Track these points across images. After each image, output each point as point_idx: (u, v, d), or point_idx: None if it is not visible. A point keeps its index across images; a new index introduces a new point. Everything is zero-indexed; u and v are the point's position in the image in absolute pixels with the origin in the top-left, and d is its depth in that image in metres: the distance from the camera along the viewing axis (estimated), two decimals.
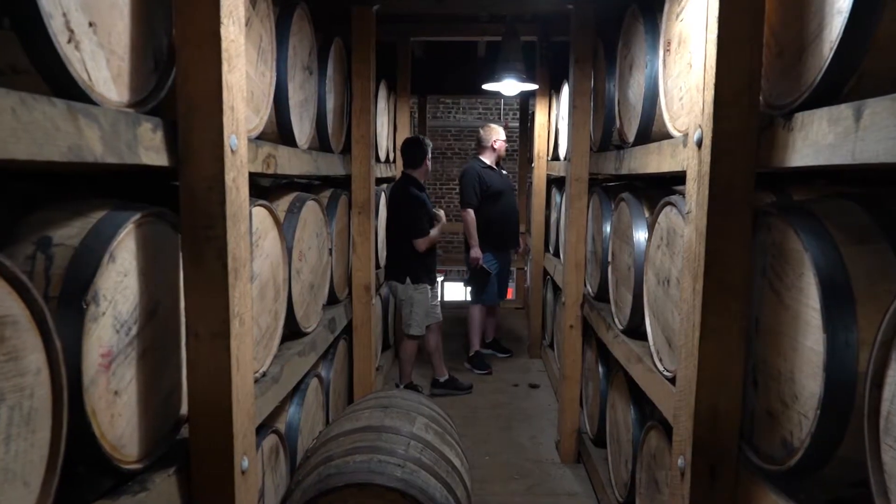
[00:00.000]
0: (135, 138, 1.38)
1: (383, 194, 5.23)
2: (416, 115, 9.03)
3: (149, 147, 1.44)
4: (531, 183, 6.37)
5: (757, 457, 1.56)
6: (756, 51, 1.50)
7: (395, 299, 4.97)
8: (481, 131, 5.79)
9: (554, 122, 5.75)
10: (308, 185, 3.77)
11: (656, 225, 2.45)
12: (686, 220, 1.70)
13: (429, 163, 4.93)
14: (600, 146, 3.57)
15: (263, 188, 3.12)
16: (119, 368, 1.44)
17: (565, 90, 5.12)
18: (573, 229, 3.76)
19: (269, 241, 2.39)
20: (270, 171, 2.29)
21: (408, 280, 4.67)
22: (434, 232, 4.72)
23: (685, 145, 2.04)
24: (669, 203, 2.28)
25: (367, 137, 3.70)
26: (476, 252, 5.47)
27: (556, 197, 5.76)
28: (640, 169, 2.63)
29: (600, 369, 3.57)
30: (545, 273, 6.23)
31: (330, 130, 3.38)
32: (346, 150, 3.73)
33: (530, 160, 7.02)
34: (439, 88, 8.52)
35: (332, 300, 3.59)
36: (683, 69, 2.18)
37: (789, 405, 1.43)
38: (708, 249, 1.55)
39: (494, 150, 5.68)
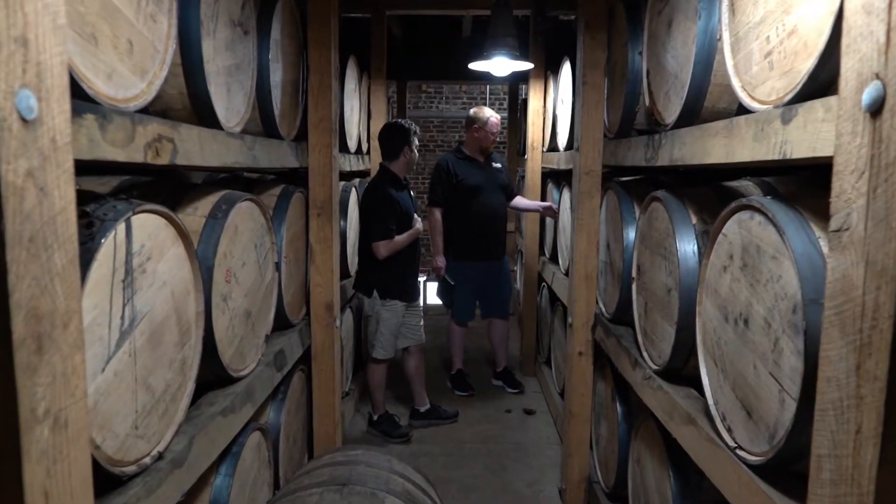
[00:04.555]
0: None
1: (354, 190, 4.48)
2: (396, 104, 8.29)
3: None
4: (522, 177, 5.66)
5: None
6: None
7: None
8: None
9: (551, 107, 5.03)
10: (257, 181, 3.04)
11: (720, 237, 1.74)
12: (830, 241, 0.99)
13: (411, 154, 4.06)
14: (618, 132, 2.86)
15: (190, 186, 2.38)
16: None
17: (565, 70, 4.41)
18: (583, 234, 3.05)
19: (169, 261, 1.66)
20: (163, 162, 1.55)
21: (375, 294, 3.93)
22: (401, 237, 3.91)
23: (786, 121, 1.34)
24: (748, 207, 1.58)
25: (329, 121, 2.95)
26: (438, 260, 4.66)
27: (552, 193, 5.05)
28: (691, 159, 1.92)
29: (618, 409, 2.87)
30: (539, 278, 5.53)
31: (277, 111, 2.64)
32: (303, 138, 2.99)
33: (522, 152, 6.31)
34: (420, 72, 7.77)
35: (283, 325, 2.85)
36: (775, 7, 1.47)
37: None
38: None
39: (474, 136, 4.72)
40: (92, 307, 1.31)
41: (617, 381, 2.92)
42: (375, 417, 4.13)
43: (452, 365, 5.07)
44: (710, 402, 1.78)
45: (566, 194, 4.40)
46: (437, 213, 4.66)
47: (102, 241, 1.34)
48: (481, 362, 5.63)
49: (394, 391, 4.68)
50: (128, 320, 1.45)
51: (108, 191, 2.11)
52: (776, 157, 1.38)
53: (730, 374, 1.66)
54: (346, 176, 4.75)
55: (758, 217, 1.52)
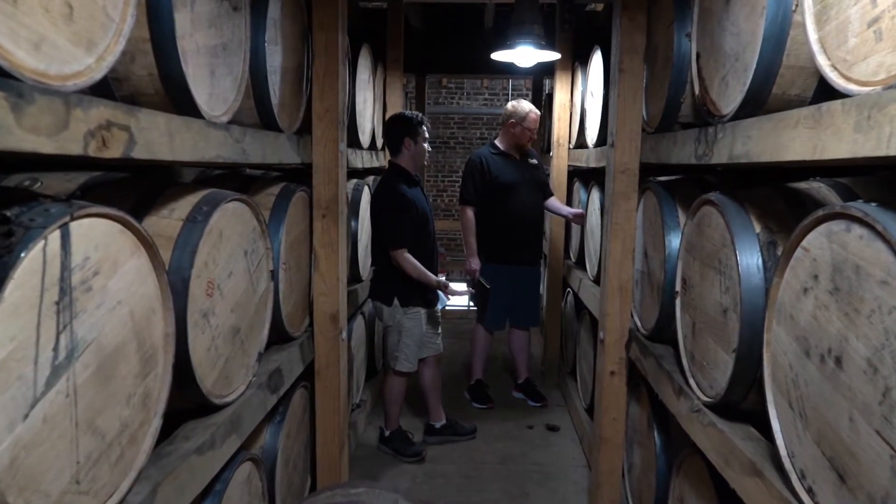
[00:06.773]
0: None
1: (367, 188, 4.20)
2: (414, 100, 7.99)
3: None
4: (547, 175, 5.32)
5: None
6: None
7: (380, 322, 3.91)
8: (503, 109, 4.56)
9: (578, 101, 4.70)
10: (258, 179, 2.75)
11: (799, 252, 1.42)
12: None
13: (416, 146, 3.63)
14: (659, 125, 2.53)
15: (172, 184, 2.10)
16: None
17: (595, 60, 4.08)
18: (617, 240, 2.72)
19: (126, 275, 1.37)
20: (114, 154, 1.26)
21: (395, 302, 3.61)
22: (418, 267, 3.54)
23: None
24: (843, 216, 1.25)
25: (336, 112, 2.66)
26: (472, 262, 4.32)
27: (580, 193, 4.72)
28: (759, 156, 1.59)
29: (657, 438, 2.55)
30: (564, 284, 5.20)
31: (276, 100, 2.35)
32: (306, 131, 2.70)
33: (546, 149, 5.99)
34: (440, 66, 7.43)
35: (282, 338, 2.57)
36: None
37: None
38: None
39: (511, 132, 4.39)
40: (8, 340, 1.03)
41: (654, 405, 2.59)
42: (387, 433, 3.84)
43: (472, 374, 4.73)
44: (783, 452, 1.45)
45: (595, 194, 4.07)
46: (470, 212, 4.33)
47: (23, 254, 1.05)
48: (501, 372, 5.32)
49: (407, 403, 4.38)
50: (64, 352, 1.17)
51: (74, 188, 1.84)
52: (891, 152, 1.06)
53: (812, 423, 1.34)
54: (359, 174, 4.47)
55: (858, 229, 1.20)
